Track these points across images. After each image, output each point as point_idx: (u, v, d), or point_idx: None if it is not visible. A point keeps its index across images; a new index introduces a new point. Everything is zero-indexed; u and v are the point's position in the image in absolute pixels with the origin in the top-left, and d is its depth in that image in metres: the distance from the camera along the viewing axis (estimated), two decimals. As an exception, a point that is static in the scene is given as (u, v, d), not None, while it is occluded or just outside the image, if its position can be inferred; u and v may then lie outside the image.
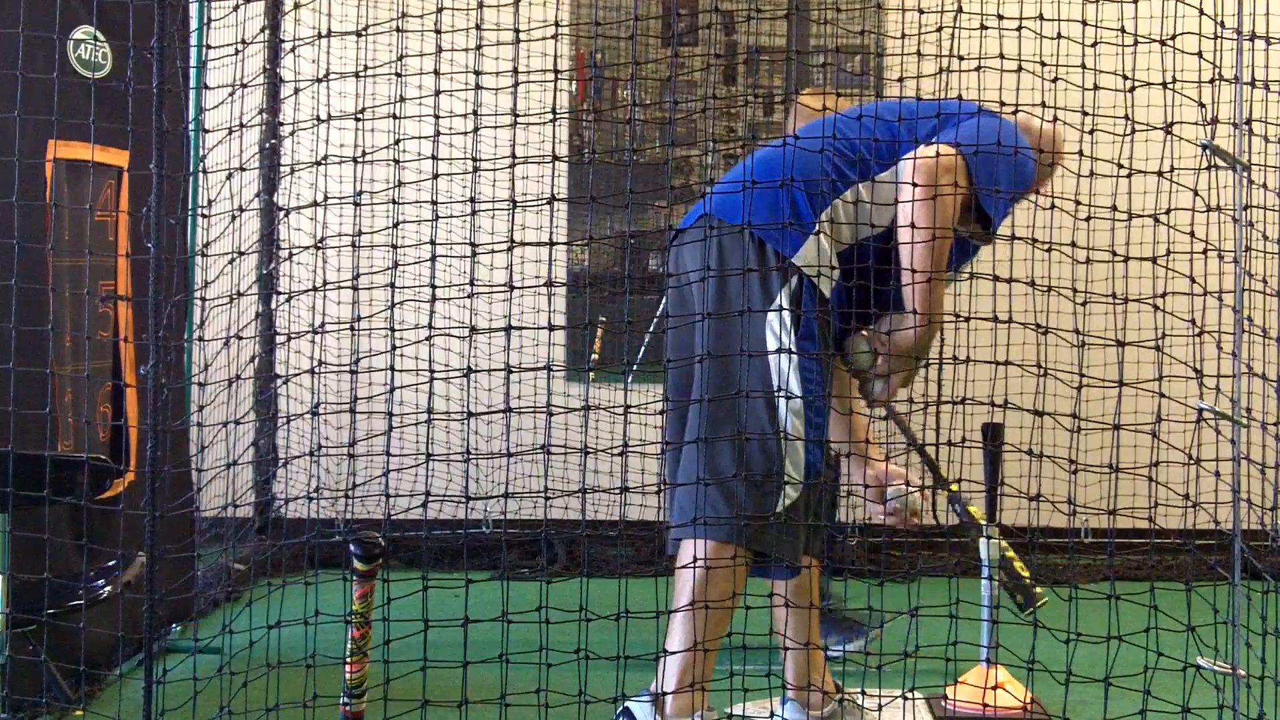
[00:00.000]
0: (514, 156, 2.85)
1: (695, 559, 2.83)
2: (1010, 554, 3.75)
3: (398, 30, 2.94)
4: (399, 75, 2.91)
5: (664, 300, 3.48)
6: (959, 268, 3.19)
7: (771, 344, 2.90)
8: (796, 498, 2.90)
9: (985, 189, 2.91)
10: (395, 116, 2.94)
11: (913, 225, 2.86)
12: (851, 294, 2.97)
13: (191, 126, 3.49)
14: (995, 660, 3.43)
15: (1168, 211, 2.89)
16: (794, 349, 2.89)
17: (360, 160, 3.04)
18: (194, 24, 3.88)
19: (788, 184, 2.92)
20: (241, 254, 3.05)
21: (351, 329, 2.92)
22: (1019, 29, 2.93)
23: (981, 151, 2.89)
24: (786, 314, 2.91)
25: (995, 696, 3.29)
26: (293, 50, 4.40)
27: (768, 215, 2.93)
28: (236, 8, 3.00)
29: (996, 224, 2.98)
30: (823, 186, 2.96)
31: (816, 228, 2.94)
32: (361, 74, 3.13)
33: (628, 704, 2.99)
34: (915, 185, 2.86)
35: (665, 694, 2.88)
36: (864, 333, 3.07)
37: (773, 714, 3.10)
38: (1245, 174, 2.76)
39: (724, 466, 2.88)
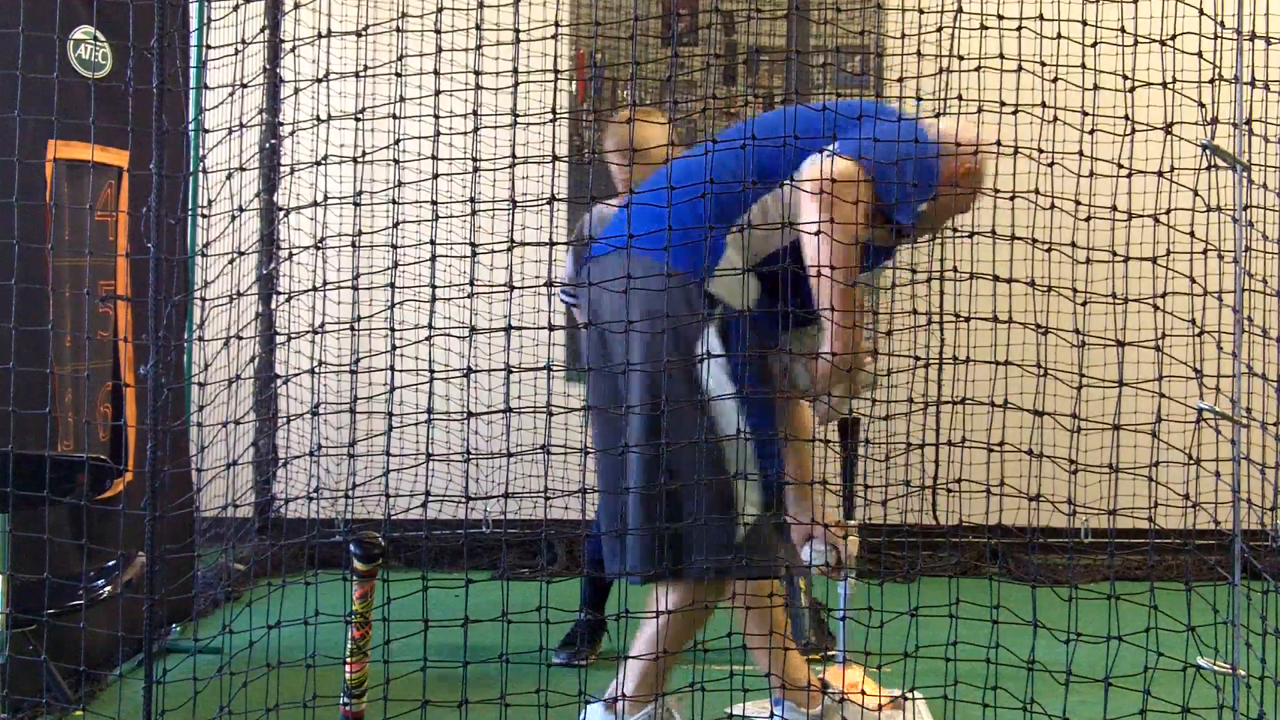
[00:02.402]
0: (514, 156, 2.85)
1: (689, 602, 2.85)
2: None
3: (398, 30, 2.94)
4: (399, 75, 2.91)
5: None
6: (879, 266, 3.16)
7: (711, 387, 2.83)
8: (756, 518, 2.89)
9: (890, 197, 2.83)
10: (395, 116, 2.94)
11: (820, 242, 2.77)
12: (778, 289, 2.89)
13: (191, 126, 3.49)
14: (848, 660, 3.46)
15: (1168, 211, 2.89)
16: (733, 390, 2.82)
17: (360, 160, 3.05)
18: (194, 24, 3.88)
19: (695, 200, 2.83)
20: (241, 254, 3.05)
21: (351, 329, 2.92)
22: (1019, 29, 2.93)
23: (882, 155, 2.80)
24: (720, 359, 2.83)
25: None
26: (293, 50, 4.40)
27: (682, 240, 2.82)
28: (236, 8, 3.00)
29: (910, 224, 2.93)
30: (729, 199, 2.87)
31: (726, 242, 2.88)
32: (361, 74, 3.13)
33: (588, 705, 2.99)
34: (814, 194, 2.78)
35: (623, 698, 2.91)
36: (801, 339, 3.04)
37: (772, 714, 3.10)
38: (1245, 174, 2.76)
39: (681, 512, 2.84)
